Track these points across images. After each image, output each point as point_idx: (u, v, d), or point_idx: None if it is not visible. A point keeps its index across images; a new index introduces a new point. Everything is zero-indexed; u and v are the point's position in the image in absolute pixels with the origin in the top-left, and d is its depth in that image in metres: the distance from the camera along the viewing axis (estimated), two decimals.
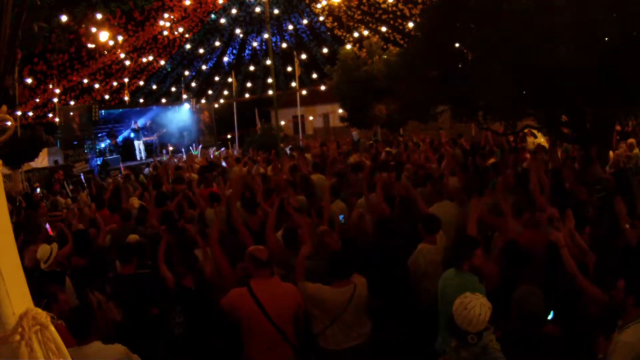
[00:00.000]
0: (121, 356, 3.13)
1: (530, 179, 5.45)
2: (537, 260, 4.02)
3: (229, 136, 25.61)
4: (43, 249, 4.69)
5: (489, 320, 2.55)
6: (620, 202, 4.34)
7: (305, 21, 23.36)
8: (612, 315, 2.93)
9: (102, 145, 21.76)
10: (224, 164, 11.89)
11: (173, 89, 27.37)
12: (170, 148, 22.21)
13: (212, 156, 15.36)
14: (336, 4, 18.83)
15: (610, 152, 8.14)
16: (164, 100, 25.61)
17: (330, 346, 3.65)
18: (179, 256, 4.18)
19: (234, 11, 22.19)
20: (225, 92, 27.77)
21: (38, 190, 12.33)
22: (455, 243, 3.80)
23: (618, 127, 8.91)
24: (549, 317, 3.24)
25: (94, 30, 12.38)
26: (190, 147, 20.37)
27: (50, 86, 17.48)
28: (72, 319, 3.21)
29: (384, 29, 18.64)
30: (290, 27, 24.21)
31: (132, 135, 22.70)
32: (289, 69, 25.44)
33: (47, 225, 7.06)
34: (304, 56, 24.69)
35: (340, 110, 20.21)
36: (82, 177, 15.45)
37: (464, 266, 3.54)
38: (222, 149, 19.58)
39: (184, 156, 15.94)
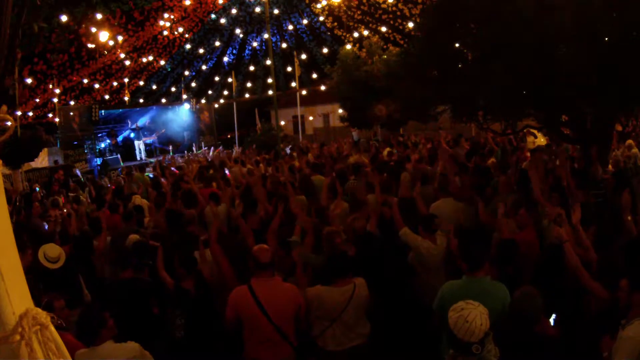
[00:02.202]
0: (135, 353, 3.16)
1: (530, 179, 5.47)
2: (530, 260, 4.04)
3: (228, 136, 25.63)
4: (52, 248, 4.61)
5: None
6: (626, 195, 4.36)
7: (305, 21, 23.38)
8: (616, 314, 2.93)
9: (102, 145, 21.77)
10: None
11: (173, 89, 27.41)
12: (170, 148, 22.23)
13: (214, 156, 15.37)
14: (336, 4, 18.83)
15: (611, 153, 8.14)
16: (164, 100, 25.62)
17: (330, 347, 3.64)
18: (179, 258, 4.19)
19: (234, 11, 22.22)
20: (225, 92, 27.80)
21: (37, 189, 12.32)
22: (468, 249, 3.56)
23: (619, 128, 8.89)
24: (551, 320, 3.23)
25: (94, 30, 12.39)
26: (194, 147, 20.40)
27: (50, 86, 17.48)
28: (79, 322, 3.23)
29: (384, 29, 18.65)
30: (290, 27, 24.24)
31: (132, 135, 22.70)
32: (289, 69, 25.47)
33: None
34: (304, 56, 24.71)
35: (340, 110, 20.23)
36: (79, 173, 15.43)
37: (481, 272, 3.41)
38: (220, 148, 19.61)
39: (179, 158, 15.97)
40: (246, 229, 4.93)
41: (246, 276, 3.76)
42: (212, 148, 19.16)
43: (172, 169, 11.82)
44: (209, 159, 14.35)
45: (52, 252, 4.55)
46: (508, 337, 2.95)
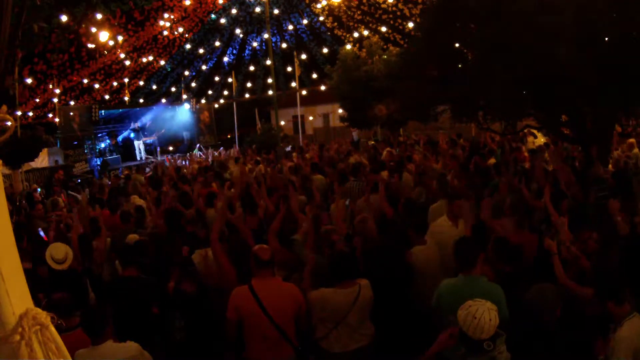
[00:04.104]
0: (135, 353, 3.15)
1: (530, 180, 5.49)
2: (528, 260, 4.04)
3: (228, 136, 25.63)
4: (59, 249, 4.56)
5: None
6: (614, 203, 4.37)
7: (305, 21, 23.39)
8: (609, 318, 2.99)
9: (102, 145, 21.77)
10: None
11: (173, 89, 27.40)
12: (170, 148, 22.25)
13: (212, 156, 15.38)
14: (336, 4, 18.84)
15: (611, 152, 8.14)
16: (164, 100, 25.62)
17: (335, 349, 3.61)
18: (178, 259, 4.18)
19: (234, 11, 22.22)
20: (225, 92, 27.79)
21: (39, 190, 12.33)
22: (459, 247, 3.59)
23: (619, 129, 8.90)
24: None
25: (94, 30, 12.38)
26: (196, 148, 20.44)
27: (50, 86, 17.48)
28: (85, 320, 3.22)
29: (384, 29, 18.65)
30: (290, 27, 24.24)
31: (132, 135, 22.70)
32: (289, 69, 25.46)
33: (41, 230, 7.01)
34: (304, 56, 24.70)
35: (340, 110, 20.21)
36: (79, 181, 15.42)
37: (476, 270, 3.43)
38: (221, 148, 19.61)
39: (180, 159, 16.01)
40: (245, 231, 4.93)
41: (247, 277, 3.75)
42: (210, 149, 19.18)
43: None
44: (209, 159, 14.37)
45: (58, 254, 4.49)
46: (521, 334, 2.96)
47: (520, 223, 4.59)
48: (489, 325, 2.42)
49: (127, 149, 22.43)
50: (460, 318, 2.50)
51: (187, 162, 14.91)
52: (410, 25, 16.03)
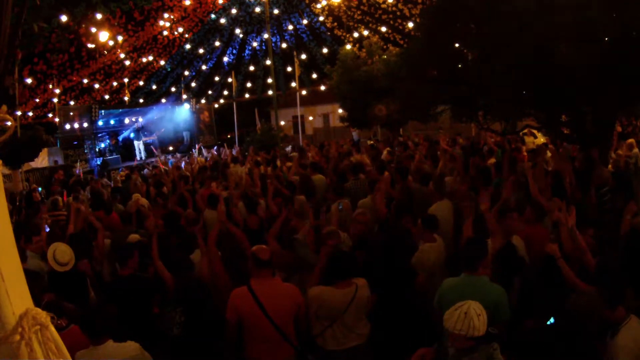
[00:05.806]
0: (135, 353, 3.15)
1: (528, 180, 5.48)
2: (537, 255, 4.03)
3: (228, 136, 25.63)
4: (61, 251, 4.48)
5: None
6: (632, 205, 4.34)
7: (305, 21, 23.38)
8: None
9: (102, 145, 21.75)
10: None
11: (173, 89, 27.39)
12: (170, 148, 22.24)
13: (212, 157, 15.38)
14: (336, 4, 18.84)
15: (611, 153, 8.13)
16: (164, 100, 25.59)
17: (330, 346, 3.64)
18: (177, 257, 4.19)
19: (234, 11, 22.22)
20: (225, 92, 27.79)
21: (40, 189, 12.33)
22: (467, 244, 3.65)
23: (619, 129, 8.89)
24: (550, 321, 3.23)
25: (94, 30, 12.38)
26: (194, 148, 20.42)
27: (50, 86, 17.47)
28: (85, 320, 3.22)
29: (384, 29, 18.64)
30: (290, 27, 24.23)
31: (132, 135, 22.70)
32: (289, 69, 25.44)
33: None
34: (304, 56, 24.69)
35: (340, 110, 20.21)
36: (80, 172, 15.40)
37: (479, 269, 3.45)
38: (215, 147, 19.58)
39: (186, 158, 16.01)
40: (241, 235, 4.93)
41: (240, 280, 3.76)
42: (206, 149, 19.14)
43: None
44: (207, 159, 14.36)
45: (62, 257, 4.42)
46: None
47: (537, 216, 4.57)
48: (486, 315, 2.57)
49: (127, 149, 22.41)
50: (464, 326, 2.53)
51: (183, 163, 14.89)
52: (410, 25, 16.03)
